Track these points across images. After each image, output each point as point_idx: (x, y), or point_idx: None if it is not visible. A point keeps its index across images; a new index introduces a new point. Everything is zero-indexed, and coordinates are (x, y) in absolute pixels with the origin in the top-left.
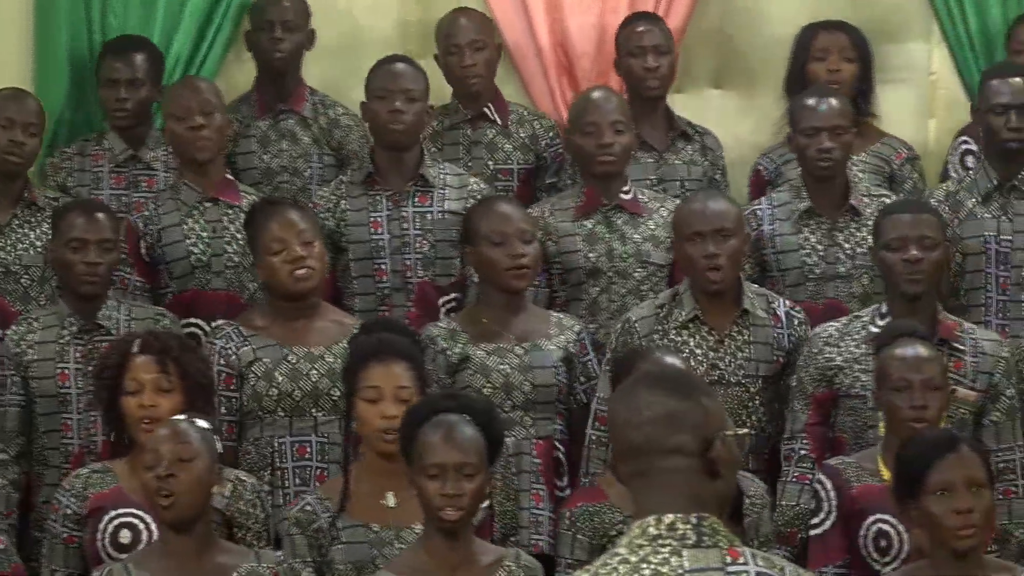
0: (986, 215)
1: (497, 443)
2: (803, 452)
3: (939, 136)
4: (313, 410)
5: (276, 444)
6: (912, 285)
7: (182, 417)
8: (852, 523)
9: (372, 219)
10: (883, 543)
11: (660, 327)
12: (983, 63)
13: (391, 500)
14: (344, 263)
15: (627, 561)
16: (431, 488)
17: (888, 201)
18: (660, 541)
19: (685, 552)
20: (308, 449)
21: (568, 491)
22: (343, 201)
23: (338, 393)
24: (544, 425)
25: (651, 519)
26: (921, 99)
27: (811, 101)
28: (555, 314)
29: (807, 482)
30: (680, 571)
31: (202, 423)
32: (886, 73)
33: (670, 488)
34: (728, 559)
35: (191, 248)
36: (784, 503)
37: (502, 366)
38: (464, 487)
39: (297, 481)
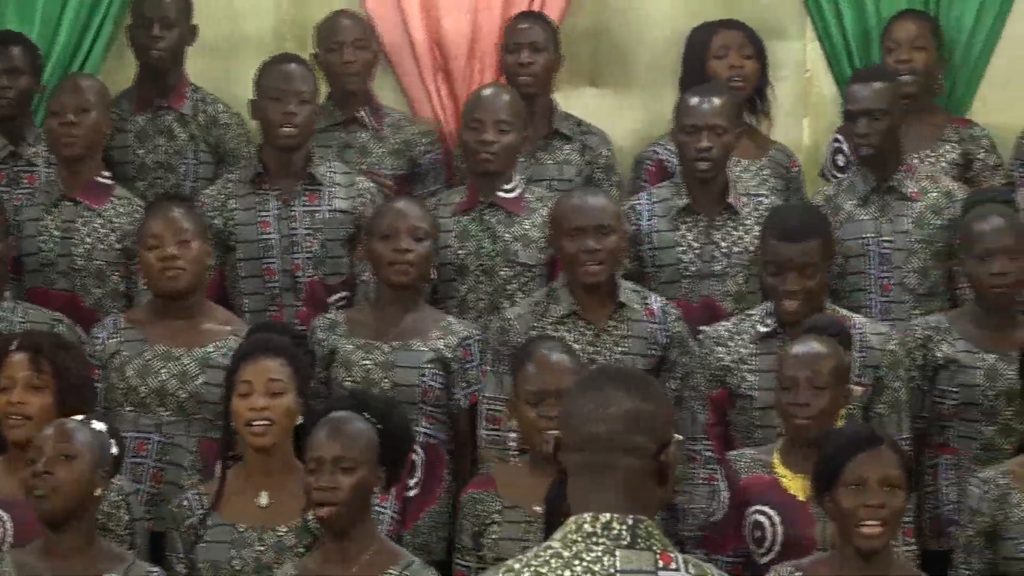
0: (865, 217)
1: (398, 440)
2: (707, 453)
3: (813, 134)
4: (158, 408)
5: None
6: (791, 316)
7: (79, 417)
8: (739, 513)
9: (261, 218)
10: (757, 534)
11: (537, 323)
12: (857, 61)
13: (264, 499)
14: (232, 262)
15: (560, 555)
16: (310, 482)
17: (767, 202)
18: (594, 539)
19: (618, 552)
20: (147, 447)
21: (415, 491)
22: (231, 200)
23: (185, 395)
24: None
25: (587, 516)
26: (796, 97)
27: (694, 99)
28: (449, 317)
29: (716, 483)
30: (612, 571)
31: (98, 425)
32: (769, 75)
33: (620, 487)
34: (660, 563)
35: (41, 245)
36: (695, 507)
37: (365, 361)
38: (340, 481)
39: (129, 477)
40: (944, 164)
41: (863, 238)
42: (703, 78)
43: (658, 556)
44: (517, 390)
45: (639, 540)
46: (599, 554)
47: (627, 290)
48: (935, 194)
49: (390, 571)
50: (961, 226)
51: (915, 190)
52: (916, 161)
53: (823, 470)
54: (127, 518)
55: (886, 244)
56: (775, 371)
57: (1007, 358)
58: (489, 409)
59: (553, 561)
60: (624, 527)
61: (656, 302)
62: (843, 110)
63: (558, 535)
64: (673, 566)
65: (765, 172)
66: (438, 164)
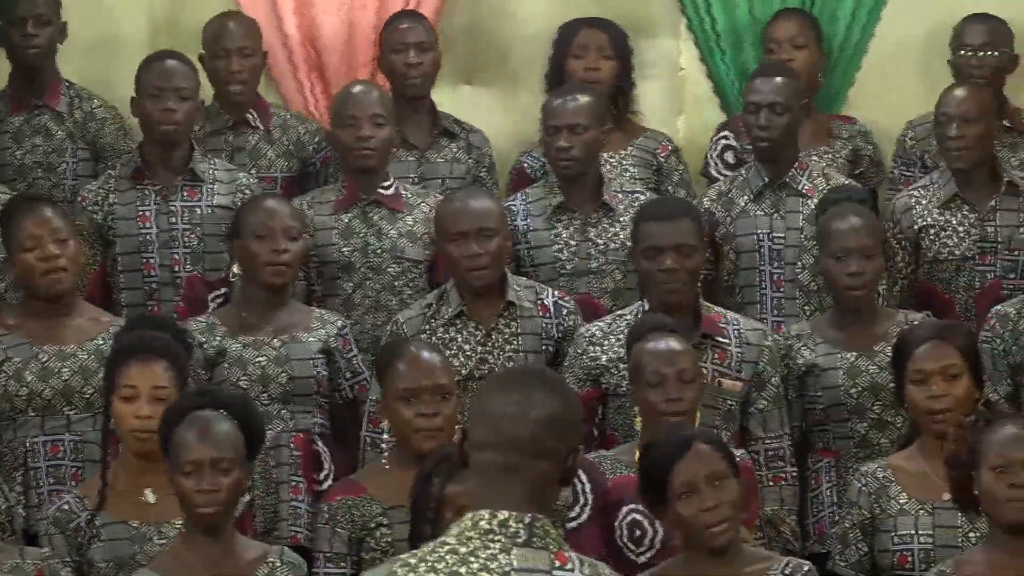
0: (758, 213)
1: (256, 437)
2: None
3: (688, 131)
4: (66, 408)
5: (29, 444)
6: (670, 295)
7: None
8: (608, 515)
9: (140, 213)
10: (637, 533)
11: (428, 325)
12: (731, 59)
13: (150, 496)
14: (112, 257)
15: (455, 552)
16: (187, 485)
17: (642, 199)
18: (491, 536)
19: (514, 551)
20: (61, 448)
21: (327, 484)
22: (111, 195)
23: (91, 391)
24: (303, 418)
25: (484, 513)
26: (670, 95)
27: (556, 100)
28: (317, 310)
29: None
30: (507, 569)
31: None
32: (636, 70)
33: (528, 488)
34: (556, 563)
35: None
36: (558, 507)
37: (259, 358)
38: (220, 482)
39: (51, 480)
40: (841, 161)
41: (756, 234)
42: (563, 77)
43: (554, 555)
44: (388, 389)
45: (535, 539)
46: (495, 552)
47: (519, 287)
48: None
49: (270, 559)
50: (819, 225)
51: (808, 187)
52: (815, 159)
53: (650, 488)
54: (5, 506)
55: (779, 240)
56: (632, 369)
57: (866, 354)
58: (373, 412)
59: (449, 557)
60: (521, 525)
61: (550, 297)
62: (744, 104)
63: (454, 531)
64: (568, 566)
65: (630, 161)
66: (328, 162)
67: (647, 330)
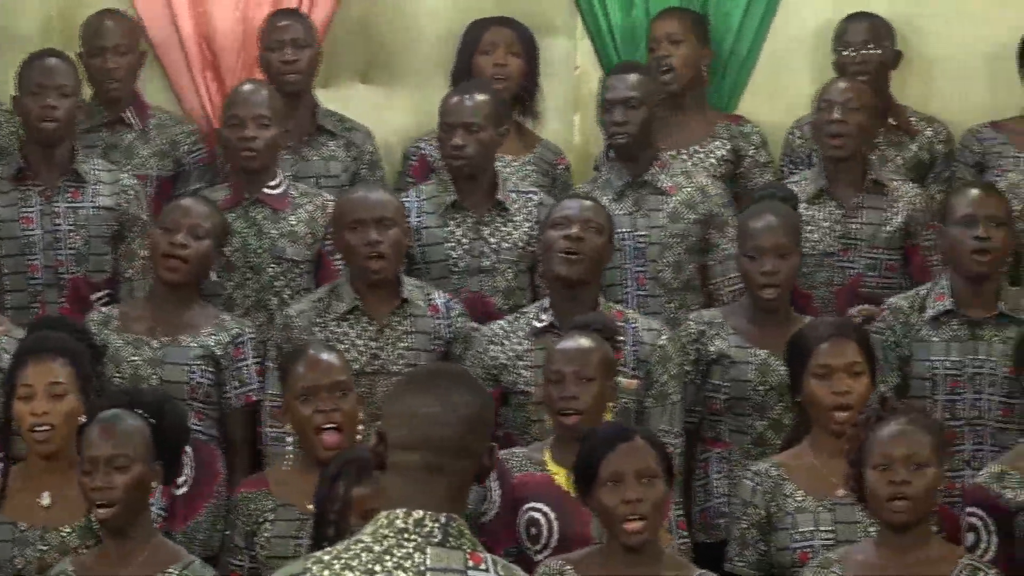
0: (620, 211)
1: (173, 434)
2: None
3: (584, 130)
4: None
5: None
6: (569, 267)
7: None
8: (514, 512)
9: (23, 214)
10: (533, 531)
11: (320, 320)
12: (626, 58)
13: (46, 500)
14: None
15: (370, 550)
16: (85, 483)
17: (536, 199)
18: (406, 535)
19: (429, 550)
20: None
21: (183, 490)
22: None
23: None
24: None
25: (399, 512)
26: (566, 94)
27: (454, 98)
28: (224, 314)
29: (483, 485)
30: (422, 568)
31: None
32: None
33: (447, 488)
34: (470, 563)
35: None
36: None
37: (134, 358)
38: (114, 480)
39: None
40: (713, 160)
41: (618, 232)
42: (470, 74)
43: (468, 555)
44: (288, 390)
45: (450, 538)
46: (410, 551)
47: (411, 286)
48: (689, 189)
49: (170, 570)
50: (738, 223)
51: (669, 184)
52: (684, 157)
53: (581, 469)
54: None
55: (641, 238)
56: (543, 367)
57: (778, 353)
58: (274, 406)
59: (363, 555)
60: (436, 525)
61: (440, 298)
62: (600, 102)
63: (369, 529)
64: (483, 566)
65: (529, 168)
66: (202, 163)
67: (573, 327)
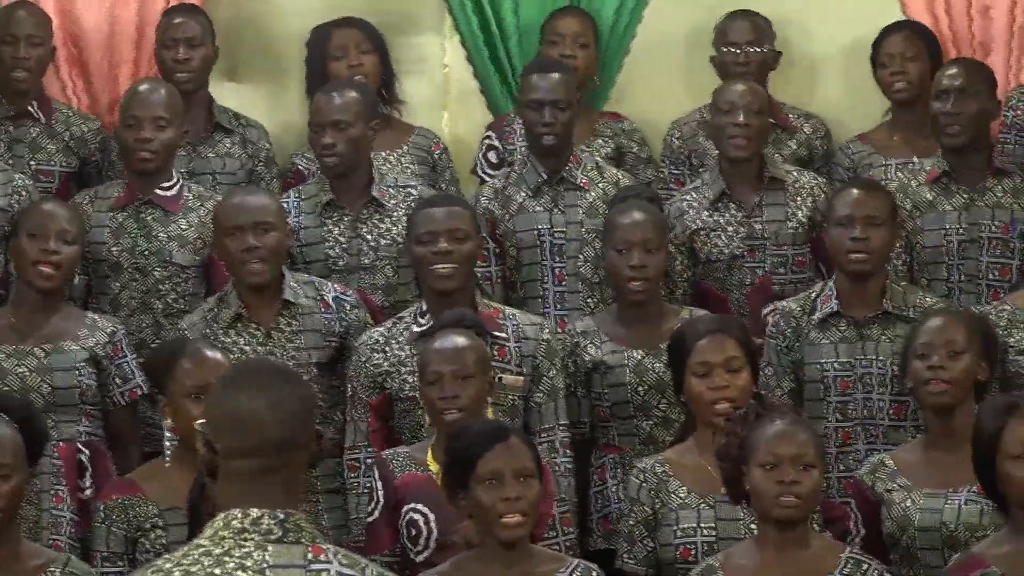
0: (538, 208)
1: (37, 441)
2: (370, 461)
3: (452, 127)
4: None
5: None
6: (444, 281)
7: None
8: (396, 512)
9: None
10: (412, 532)
11: (209, 330)
12: (495, 55)
13: None
14: None
15: (210, 553)
16: None
17: (415, 193)
18: (245, 535)
19: (269, 547)
20: None
21: (90, 492)
22: None
23: None
24: (66, 427)
25: (236, 512)
26: (435, 92)
27: (323, 97)
28: (92, 315)
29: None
30: (263, 566)
31: None
32: (401, 66)
33: (283, 484)
34: (311, 556)
35: None
36: (360, 515)
37: (19, 368)
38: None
39: None
40: (598, 158)
41: (536, 229)
42: (325, 79)
43: (308, 549)
44: (174, 387)
45: (289, 534)
46: (250, 550)
47: (299, 284)
48: (603, 184)
49: (52, 569)
50: (605, 220)
51: (584, 180)
52: (585, 153)
53: (455, 468)
54: None
55: (559, 235)
56: (418, 367)
57: (653, 353)
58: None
59: (204, 559)
60: (274, 522)
61: (331, 292)
62: (523, 101)
63: (207, 532)
64: (324, 558)
65: (407, 159)
66: (107, 160)
67: (440, 326)
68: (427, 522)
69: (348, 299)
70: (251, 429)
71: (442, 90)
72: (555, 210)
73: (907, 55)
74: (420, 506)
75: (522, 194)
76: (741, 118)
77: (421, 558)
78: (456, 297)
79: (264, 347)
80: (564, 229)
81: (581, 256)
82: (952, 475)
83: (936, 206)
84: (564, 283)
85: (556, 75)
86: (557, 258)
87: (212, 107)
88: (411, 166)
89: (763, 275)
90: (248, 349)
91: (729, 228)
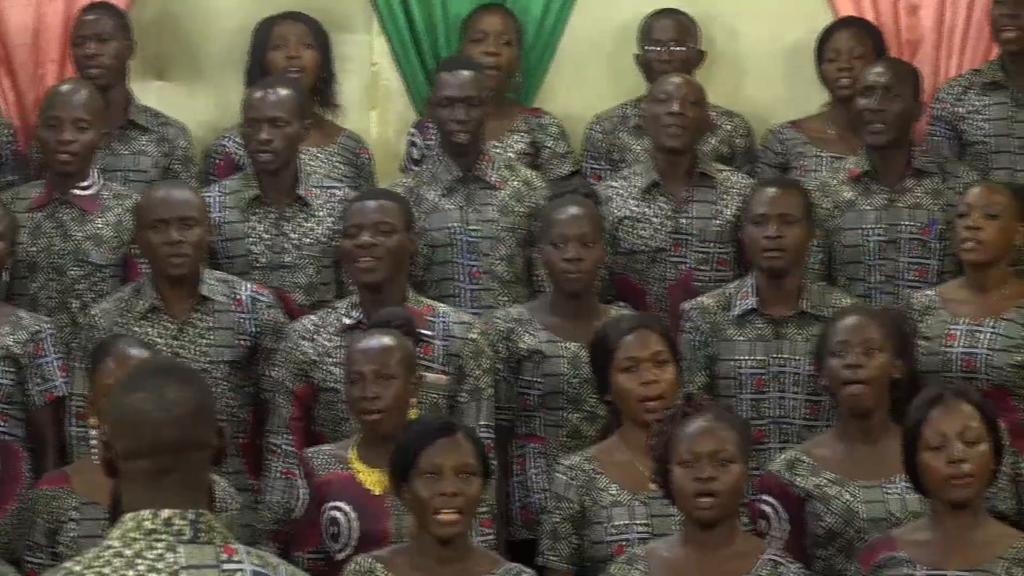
0: (450, 206)
1: None
2: (287, 448)
3: (381, 126)
4: None
5: None
6: (366, 274)
7: None
8: (319, 510)
9: None
10: (333, 530)
11: (121, 319)
12: (425, 54)
13: None
14: None
15: (121, 555)
16: None
17: (340, 194)
18: (155, 536)
19: (181, 548)
20: None
21: None
22: None
23: None
24: None
25: (146, 513)
26: (363, 90)
27: (257, 93)
28: (20, 311)
29: (292, 476)
30: (176, 567)
31: None
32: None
33: (185, 483)
34: (223, 556)
35: None
36: (272, 499)
37: None
38: None
39: None
40: (513, 154)
41: (449, 227)
42: (264, 71)
43: (220, 549)
44: (97, 386)
45: (201, 534)
46: (161, 551)
47: (214, 281)
48: (515, 182)
49: None
50: (541, 216)
51: (496, 178)
52: (497, 151)
53: (399, 460)
54: None
55: (473, 233)
56: (345, 367)
57: (587, 346)
58: (77, 406)
59: (115, 561)
60: (185, 523)
61: (246, 291)
62: (435, 99)
63: (116, 533)
64: (236, 558)
65: (336, 159)
66: (19, 155)
67: (370, 326)
68: (348, 519)
69: (263, 299)
70: (144, 430)
71: (371, 89)
72: (468, 208)
73: (855, 52)
74: (341, 504)
75: (434, 193)
76: (676, 107)
77: (342, 556)
78: (385, 291)
79: (176, 340)
80: (477, 227)
81: (494, 254)
82: (877, 467)
83: (856, 205)
84: (478, 281)
85: (467, 72)
86: (470, 256)
87: (129, 104)
88: (340, 166)
89: (687, 271)
90: (161, 341)
91: (656, 220)
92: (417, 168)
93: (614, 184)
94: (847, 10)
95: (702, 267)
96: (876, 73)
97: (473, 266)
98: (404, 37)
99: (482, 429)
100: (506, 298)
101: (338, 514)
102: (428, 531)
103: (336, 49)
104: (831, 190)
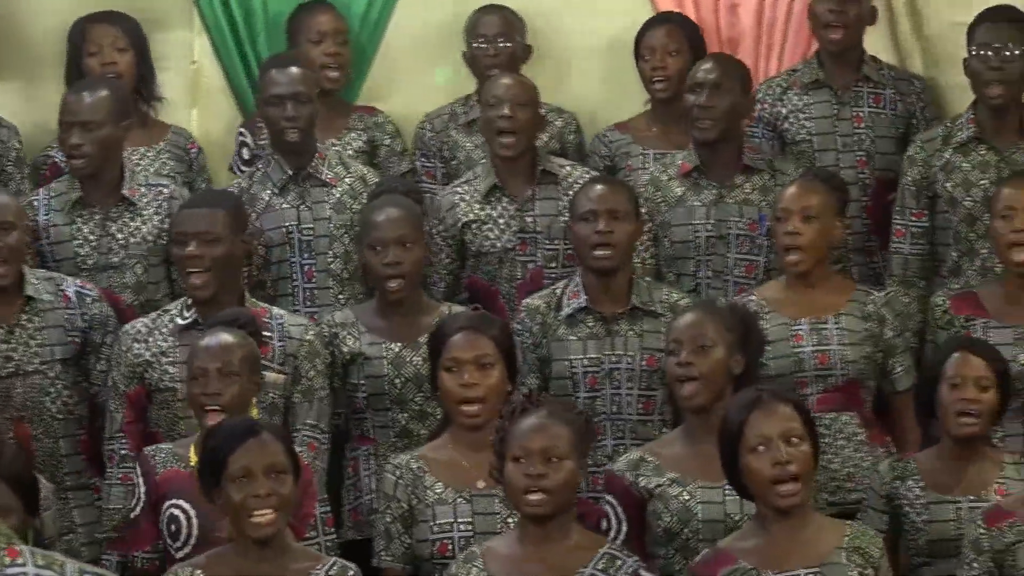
0: (285, 205)
1: None
2: (123, 452)
3: (202, 124)
4: None
5: None
6: (198, 291)
7: None
8: (158, 508)
9: None
10: (173, 528)
11: None
12: (246, 51)
13: None
14: None
15: None
16: None
17: (167, 192)
18: None
19: None
20: None
21: None
22: None
23: None
24: None
25: None
26: (185, 88)
27: (71, 96)
28: None
29: (131, 483)
30: None
31: None
32: (152, 62)
33: None
34: (7, 560)
35: None
36: (111, 507)
37: None
38: None
39: None
40: (351, 151)
41: (284, 226)
42: (83, 74)
43: (4, 552)
44: None
45: None
46: None
47: (38, 280)
48: (350, 180)
49: None
50: (360, 217)
51: (330, 176)
52: (335, 149)
53: (207, 465)
54: None
55: (308, 231)
56: (187, 365)
57: (411, 346)
58: None
59: None
60: None
61: (71, 287)
62: (264, 97)
63: None
64: (20, 560)
65: (164, 156)
66: None
67: (213, 324)
68: (188, 518)
69: (89, 293)
70: None
71: (191, 87)
72: (302, 207)
73: (669, 49)
74: (181, 502)
75: (268, 192)
76: (506, 111)
77: (181, 554)
78: (218, 299)
79: (7, 344)
80: (312, 226)
81: (330, 252)
82: (720, 467)
83: (685, 201)
84: (314, 280)
85: (295, 70)
86: (306, 255)
87: None
88: (168, 163)
89: (534, 269)
90: None
91: (501, 221)
92: (248, 168)
93: (457, 190)
94: (667, 6)
95: (551, 264)
96: (704, 70)
97: (308, 265)
98: (225, 35)
99: (316, 429)
100: (344, 296)
101: (178, 512)
102: (244, 533)
103: (156, 47)
104: (661, 185)
